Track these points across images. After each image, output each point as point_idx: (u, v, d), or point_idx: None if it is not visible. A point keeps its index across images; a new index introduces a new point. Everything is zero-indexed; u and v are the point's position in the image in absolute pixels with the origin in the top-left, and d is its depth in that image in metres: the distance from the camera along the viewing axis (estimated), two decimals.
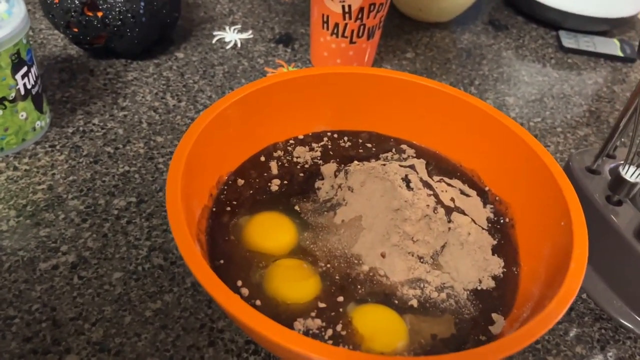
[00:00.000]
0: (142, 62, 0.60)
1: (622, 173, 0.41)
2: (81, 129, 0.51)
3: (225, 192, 0.40)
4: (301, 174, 0.42)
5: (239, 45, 0.66)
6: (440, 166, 0.44)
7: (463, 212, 0.38)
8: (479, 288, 0.36)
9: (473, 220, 0.38)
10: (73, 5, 0.53)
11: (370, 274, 0.35)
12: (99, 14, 0.54)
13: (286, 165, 0.43)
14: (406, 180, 0.37)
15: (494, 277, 0.37)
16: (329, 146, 0.45)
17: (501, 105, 0.63)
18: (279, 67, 0.63)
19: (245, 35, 0.68)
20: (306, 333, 0.32)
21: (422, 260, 0.36)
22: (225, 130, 0.39)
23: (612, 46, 0.76)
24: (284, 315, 0.33)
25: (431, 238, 0.36)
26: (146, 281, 0.38)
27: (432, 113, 0.45)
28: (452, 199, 0.39)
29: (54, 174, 0.46)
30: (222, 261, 0.35)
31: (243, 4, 0.75)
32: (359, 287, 0.35)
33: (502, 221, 0.40)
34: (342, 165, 0.42)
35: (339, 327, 0.32)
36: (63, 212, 0.43)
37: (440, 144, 0.45)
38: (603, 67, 0.73)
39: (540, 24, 0.81)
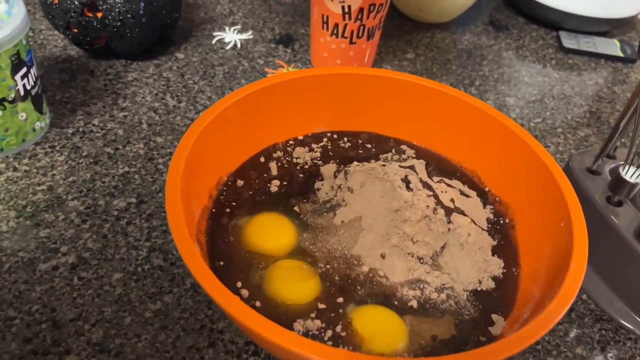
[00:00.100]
0: (142, 63, 0.60)
1: (622, 174, 0.41)
2: (81, 129, 0.51)
3: (224, 193, 0.40)
4: (301, 175, 0.42)
5: (239, 45, 0.66)
6: (440, 167, 0.44)
7: (463, 213, 0.38)
8: (479, 289, 0.36)
9: (473, 221, 0.38)
10: (73, 6, 0.53)
11: (370, 274, 0.35)
12: (99, 15, 0.54)
13: (286, 166, 0.43)
14: (406, 181, 0.37)
15: (494, 278, 0.36)
16: (329, 147, 0.45)
17: (501, 106, 0.63)
18: (279, 67, 0.63)
19: (245, 36, 0.68)
20: (306, 334, 0.32)
21: (422, 261, 0.36)
22: (225, 131, 0.39)
23: (612, 47, 0.76)
24: (284, 316, 0.33)
25: (431, 239, 0.36)
26: (146, 282, 0.38)
27: (432, 114, 0.45)
28: (452, 200, 0.39)
29: (53, 174, 0.46)
30: (221, 262, 0.35)
31: (243, 4, 0.75)
32: (358, 288, 0.35)
33: (502, 222, 0.40)
34: (342, 166, 0.42)
35: (338, 328, 0.32)
36: (63, 213, 0.43)
37: (441, 144, 0.45)
38: (603, 67, 0.73)
39: (541, 24, 0.81)
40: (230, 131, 0.40)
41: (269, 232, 0.38)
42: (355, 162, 0.42)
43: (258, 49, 0.66)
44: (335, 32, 0.57)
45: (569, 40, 0.76)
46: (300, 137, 0.45)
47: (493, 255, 0.38)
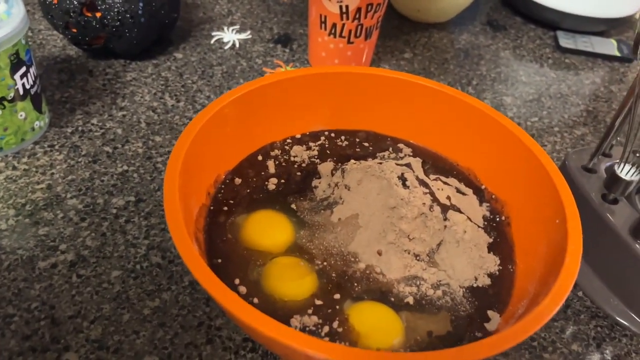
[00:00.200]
0: (140, 63, 0.61)
1: (618, 171, 0.41)
2: (80, 128, 0.51)
3: (222, 191, 0.40)
4: (298, 173, 0.43)
5: (237, 45, 0.66)
6: (436, 165, 0.44)
7: (459, 210, 0.38)
8: (474, 285, 0.36)
9: (469, 218, 0.38)
10: (72, 6, 0.53)
11: (367, 271, 0.36)
12: (98, 15, 0.54)
13: (283, 164, 0.43)
14: (402, 179, 0.38)
15: (490, 275, 0.37)
16: (326, 145, 0.45)
17: (499, 105, 0.63)
18: (277, 67, 0.63)
19: (243, 36, 0.68)
20: (303, 330, 0.32)
21: (418, 258, 0.36)
22: (222, 129, 0.39)
23: (609, 46, 0.76)
24: (281, 312, 0.33)
25: (427, 236, 0.36)
26: (144, 279, 0.39)
27: (429, 112, 0.45)
28: (448, 197, 0.39)
29: (52, 173, 0.46)
30: (219, 259, 0.35)
31: (242, 4, 0.75)
32: (355, 284, 0.35)
33: (498, 219, 0.41)
34: (339, 164, 0.43)
35: (335, 324, 0.32)
36: (62, 211, 0.43)
37: (437, 143, 0.46)
38: (600, 67, 0.74)
39: (538, 24, 0.81)
40: (228, 129, 0.40)
41: (267, 230, 0.38)
42: (352, 160, 0.42)
43: (256, 48, 0.66)
44: (333, 31, 0.57)
45: (566, 40, 0.76)
46: (298, 136, 0.46)
47: (489, 252, 0.38)
